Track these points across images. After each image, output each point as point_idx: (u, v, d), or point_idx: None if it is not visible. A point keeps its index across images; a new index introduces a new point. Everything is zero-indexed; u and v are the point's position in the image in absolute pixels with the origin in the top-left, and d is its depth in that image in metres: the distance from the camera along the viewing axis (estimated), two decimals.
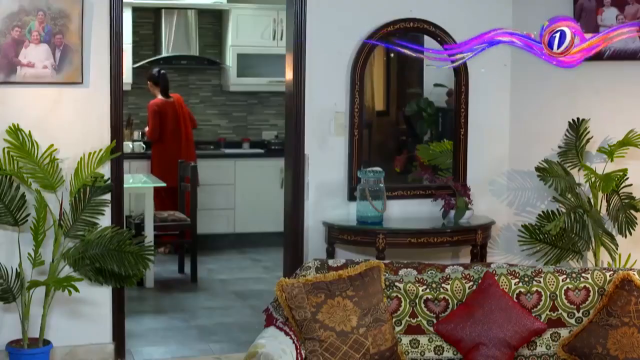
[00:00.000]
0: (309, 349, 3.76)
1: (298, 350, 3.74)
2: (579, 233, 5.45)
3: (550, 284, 4.07)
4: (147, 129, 8.58)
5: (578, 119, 5.58)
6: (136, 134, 8.90)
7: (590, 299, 4.06)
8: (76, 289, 4.65)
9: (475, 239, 5.48)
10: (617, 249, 5.31)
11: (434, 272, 4.17)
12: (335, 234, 5.44)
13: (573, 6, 5.54)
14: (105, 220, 5.09)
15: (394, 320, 4.00)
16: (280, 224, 6.13)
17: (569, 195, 5.39)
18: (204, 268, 7.94)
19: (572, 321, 4.04)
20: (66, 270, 4.94)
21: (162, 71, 8.52)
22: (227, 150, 9.18)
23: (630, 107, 5.52)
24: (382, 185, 5.45)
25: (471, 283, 4.08)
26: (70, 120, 5.05)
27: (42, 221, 4.74)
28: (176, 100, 8.54)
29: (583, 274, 4.11)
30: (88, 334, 5.20)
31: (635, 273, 4.01)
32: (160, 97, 8.46)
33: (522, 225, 5.62)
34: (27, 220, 4.85)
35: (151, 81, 8.54)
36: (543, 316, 4.03)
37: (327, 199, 5.61)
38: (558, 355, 3.99)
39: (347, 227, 5.42)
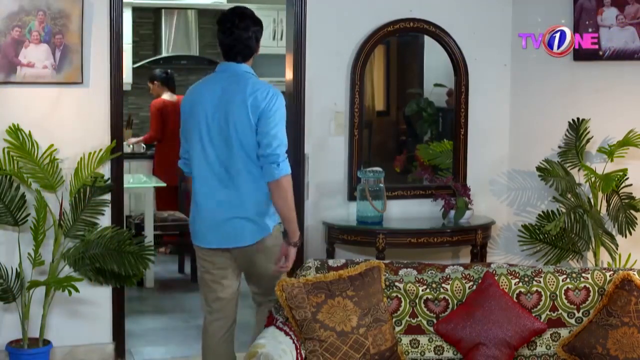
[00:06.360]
0: (309, 349, 3.76)
1: (298, 350, 3.74)
2: (579, 233, 5.45)
3: (550, 284, 4.07)
4: (146, 135, 8.47)
5: (578, 119, 5.58)
6: (133, 139, 8.81)
7: (590, 299, 4.06)
8: (76, 289, 4.66)
9: (475, 239, 5.48)
10: (617, 249, 5.31)
11: (434, 272, 4.17)
12: (335, 234, 5.43)
13: (573, 6, 5.54)
14: (105, 220, 5.09)
15: (394, 320, 4.00)
16: None
17: (569, 195, 5.39)
18: None
19: (572, 321, 4.04)
20: (66, 270, 4.94)
21: (169, 71, 8.42)
22: None
23: (630, 107, 5.52)
24: (382, 185, 5.45)
25: (471, 283, 4.07)
26: (70, 120, 5.05)
27: (42, 221, 4.74)
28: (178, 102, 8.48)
29: (583, 274, 4.11)
30: (88, 334, 5.20)
31: (635, 273, 4.01)
32: (164, 97, 8.32)
33: (522, 225, 5.62)
34: (27, 220, 4.84)
35: (158, 81, 8.31)
36: (543, 316, 4.03)
37: (327, 199, 5.61)
38: (558, 355, 3.99)
39: (347, 227, 5.42)
